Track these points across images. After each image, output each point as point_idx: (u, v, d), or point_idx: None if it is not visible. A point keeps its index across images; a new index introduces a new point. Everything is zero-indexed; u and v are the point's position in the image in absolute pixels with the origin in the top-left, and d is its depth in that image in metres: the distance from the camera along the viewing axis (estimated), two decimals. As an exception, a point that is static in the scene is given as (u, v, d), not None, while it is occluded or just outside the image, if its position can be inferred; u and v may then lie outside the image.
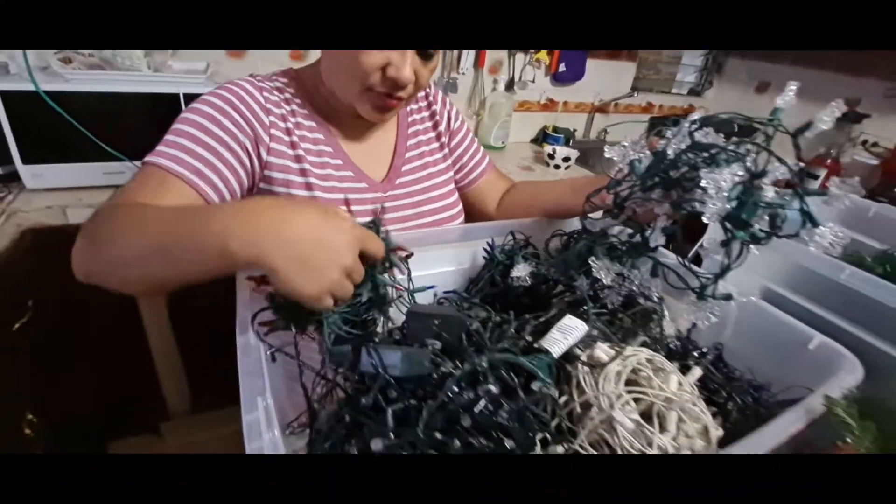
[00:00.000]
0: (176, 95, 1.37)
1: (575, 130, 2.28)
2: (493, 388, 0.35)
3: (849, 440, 0.38)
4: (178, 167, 0.58)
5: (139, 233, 0.45)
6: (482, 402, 0.34)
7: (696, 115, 0.51)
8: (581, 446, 0.42)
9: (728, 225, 0.48)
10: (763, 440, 0.38)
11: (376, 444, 0.32)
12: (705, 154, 0.48)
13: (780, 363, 0.52)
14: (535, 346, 0.45)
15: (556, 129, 2.21)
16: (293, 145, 0.67)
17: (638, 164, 0.53)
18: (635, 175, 0.53)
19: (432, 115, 0.85)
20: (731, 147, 0.47)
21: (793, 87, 0.49)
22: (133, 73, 1.35)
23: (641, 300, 0.56)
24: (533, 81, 2.09)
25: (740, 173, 0.45)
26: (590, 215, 0.60)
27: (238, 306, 0.46)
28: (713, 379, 0.49)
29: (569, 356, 0.45)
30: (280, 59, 1.69)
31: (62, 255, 1.16)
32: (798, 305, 0.65)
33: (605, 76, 2.30)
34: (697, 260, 0.66)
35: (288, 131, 0.67)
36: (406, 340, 0.42)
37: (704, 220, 0.48)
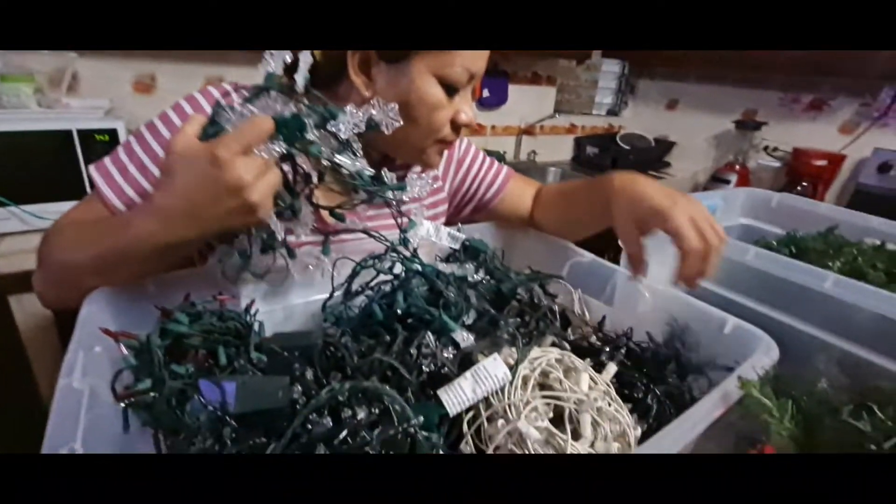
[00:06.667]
0: (69, 132, 1.26)
1: (505, 153, 2.33)
2: (361, 414, 0.29)
3: (769, 420, 0.35)
4: (113, 198, 0.56)
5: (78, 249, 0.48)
6: (344, 432, 0.28)
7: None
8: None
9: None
10: (682, 430, 0.34)
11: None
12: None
13: (699, 350, 0.50)
14: (433, 392, 0.38)
15: (487, 153, 2.23)
16: None
17: None
18: None
19: None
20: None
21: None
22: (20, 110, 1.24)
23: (546, 301, 0.52)
24: (459, 107, 2.12)
25: None
26: None
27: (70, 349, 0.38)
28: (629, 373, 0.46)
29: (470, 363, 0.40)
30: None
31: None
32: (717, 294, 0.64)
33: (528, 100, 2.38)
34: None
35: None
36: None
37: None
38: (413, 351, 0.40)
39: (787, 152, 2.18)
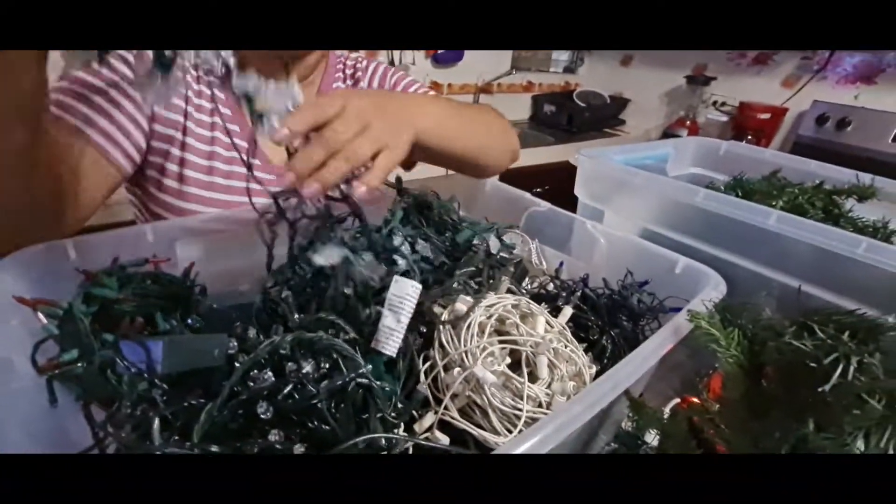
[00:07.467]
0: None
1: (462, 112, 2.28)
2: (308, 368, 0.27)
3: (716, 350, 0.36)
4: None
5: None
6: (289, 387, 0.26)
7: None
8: (449, 415, 0.36)
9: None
10: (636, 364, 0.35)
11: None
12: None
13: (652, 294, 0.51)
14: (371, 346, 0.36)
15: (443, 112, 2.18)
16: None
17: None
18: None
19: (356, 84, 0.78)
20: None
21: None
22: None
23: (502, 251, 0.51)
24: (413, 63, 2.05)
25: None
26: None
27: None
28: (585, 316, 0.46)
29: (426, 315, 0.39)
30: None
31: None
32: (668, 238, 0.65)
33: (484, 57, 2.32)
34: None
35: None
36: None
37: None
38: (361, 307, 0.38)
39: (734, 107, 2.25)
